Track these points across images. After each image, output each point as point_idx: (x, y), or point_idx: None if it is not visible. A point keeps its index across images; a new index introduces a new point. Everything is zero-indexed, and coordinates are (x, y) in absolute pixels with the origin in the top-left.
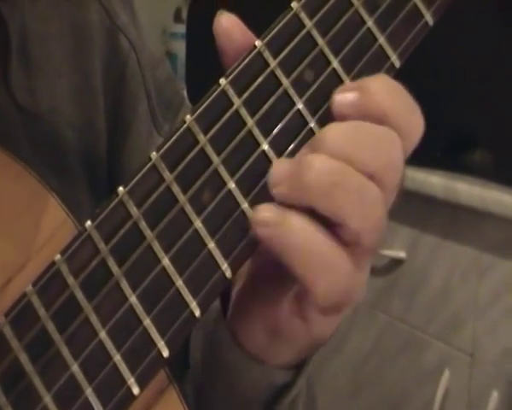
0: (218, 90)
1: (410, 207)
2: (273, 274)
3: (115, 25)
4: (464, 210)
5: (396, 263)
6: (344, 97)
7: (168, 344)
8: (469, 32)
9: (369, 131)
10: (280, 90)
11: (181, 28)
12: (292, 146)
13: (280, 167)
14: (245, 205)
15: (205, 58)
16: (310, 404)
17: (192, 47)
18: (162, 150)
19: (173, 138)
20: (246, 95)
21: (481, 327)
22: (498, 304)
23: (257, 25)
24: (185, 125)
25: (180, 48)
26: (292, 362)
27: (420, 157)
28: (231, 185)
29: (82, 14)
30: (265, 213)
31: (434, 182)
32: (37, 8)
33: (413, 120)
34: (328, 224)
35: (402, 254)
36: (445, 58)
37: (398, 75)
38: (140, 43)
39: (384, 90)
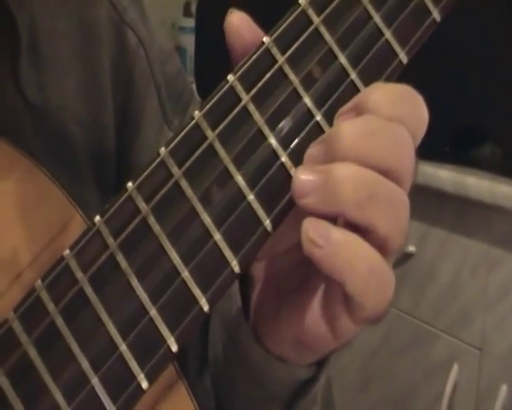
0: (227, 86)
1: (420, 202)
2: (298, 283)
3: (123, 20)
4: (473, 204)
5: (405, 257)
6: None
7: (177, 339)
8: (480, 25)
9: (384, 126)
10: (287, 86)
11: (190, 22)
12: (298, 140)
13: (305, 179)
14: (251, 197)
15: (214, 52)
16: (327, 395)
17: (201, 41)
18: (171, 146)
19: (182, 134)
20: (254, 90)
21: (490, 321)
22: (507, 298)
23: (265, 20)
24: (194, 121)
25: (189, 42)
26: (314, 361)
27: (429, 151)
28: (239, 180)
29: (90, 11)
30: (311, 231)
31: (444, 176)
32: (46, 5)
33: (417, 115)
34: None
35: (411, 249)
36: (454, 52)
37: (408, 70)
38: (149, 38)
39: (384, 99)
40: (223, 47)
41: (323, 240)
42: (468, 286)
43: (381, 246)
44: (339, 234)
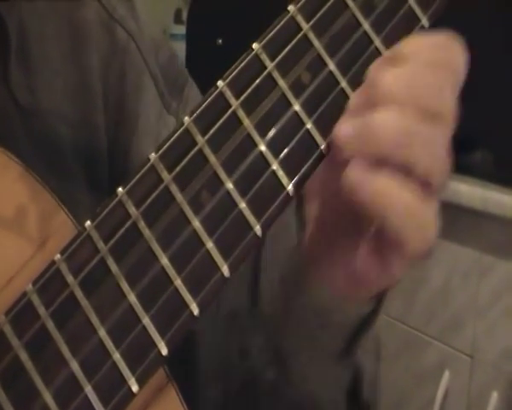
0: (216, 91)
1: None
2: (348, 225)
3: (112, 18)
4: (465, 211)
5: None
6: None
7: (168, 343)
8: (469, 32)
9: (422, 70)
10: (277, 92)
11: (181, 29)
12: (288, 148)
13: (346, 127)
14: (242, 205)
15: (204, 59)
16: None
17: (192, 48)
18: (161, 151)
19: (172, 139)
20: (243, 96)
21: (481, 328)
22: (498, 305)
23: (254, 27)
24: (184, 127)
25: (180, 49)
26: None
27: None
28: (229, 186)
29: (79, 12)
30: (353, 171)
31: None
32: (35, 9)
33: (454, 59)
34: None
35: None
36: None
37: None
38: (139, 32)
39: (420, 46)
40: (213, 54)
41: (363, 183)
42: (460, 293)
43: (422, 184)
44: (379, 177)
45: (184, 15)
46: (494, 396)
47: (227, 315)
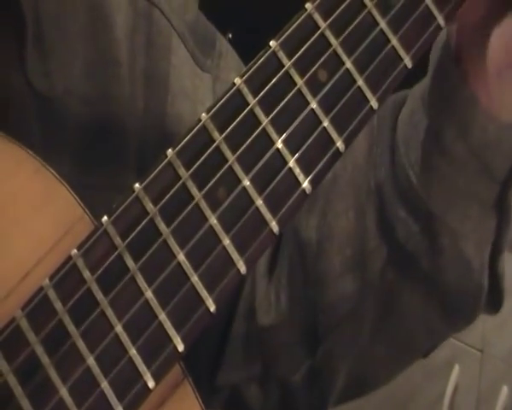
0: (233, 89)
1: None
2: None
3: None
4: None
5: None
6: None
7: (184, 339)
8: None
9: None
10: (294, 90)
11: None
12: (305, 146)
13: None
14: (259, 202)
15: None
16: None
17: None
18: (178, 147)
19: (189, 136)
20: (260, 94)
21: (491, 323)
22: (509, 300)
23: (264, 21)
24: (201, 123)
25: None
26: None
27: None
28: (246, 183)
29: None
30: None
31: None
32: None
33: None
34: None
35: None
36: None
37: (407, 74)
38: None
39: None
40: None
41: None
42: None
43: None
44: None
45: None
46: (504, 390)
47: (372, 189)
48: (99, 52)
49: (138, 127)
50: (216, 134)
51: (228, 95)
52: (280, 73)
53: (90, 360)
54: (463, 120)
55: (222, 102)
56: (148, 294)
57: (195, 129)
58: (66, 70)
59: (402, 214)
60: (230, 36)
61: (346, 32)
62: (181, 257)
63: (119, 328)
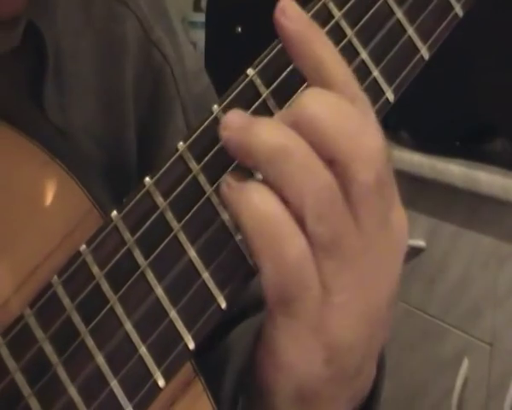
0: (245, 81)
1: (430, 196)
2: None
3: (149, 39)
4: (484, 199)
5: (415, 252)
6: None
7: (194, 337)
8: (491, 21)
9: (345, 112)
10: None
11: (200, 17)
12: None
13: (234, 115)
14: None
15: (224, 47)
16: None
17: (211, 36)
18: (189, 141)
19: (201, 129)
20: (274, 85)
21: (501, 316)
22: None
23: (273, 15)
24: (213, 115)
25: (199, 37)
26: None
27: (440, 146)
28: (258, 175)
29: (116, 27)
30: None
31: (455, 171)
32: (71, 24)
33: (359, 141)
34: None
35: (421, 243)
36: (465, 47)
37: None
38: (175, 56)
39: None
40: (232, 42)
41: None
42: (479, 281)
43: (294, 214)
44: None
45: (203, 3)
46: None
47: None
48: (113, 91)
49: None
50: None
51: (241, 86)
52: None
53: (99, 359)
54: None
55: (235, 93)
56: (159, 291)
57: (208, 121)
58: (81, 106)
59: None
60: (240, 30)
61: (362, 22)
62: (192, 253)
63: (128, 325)
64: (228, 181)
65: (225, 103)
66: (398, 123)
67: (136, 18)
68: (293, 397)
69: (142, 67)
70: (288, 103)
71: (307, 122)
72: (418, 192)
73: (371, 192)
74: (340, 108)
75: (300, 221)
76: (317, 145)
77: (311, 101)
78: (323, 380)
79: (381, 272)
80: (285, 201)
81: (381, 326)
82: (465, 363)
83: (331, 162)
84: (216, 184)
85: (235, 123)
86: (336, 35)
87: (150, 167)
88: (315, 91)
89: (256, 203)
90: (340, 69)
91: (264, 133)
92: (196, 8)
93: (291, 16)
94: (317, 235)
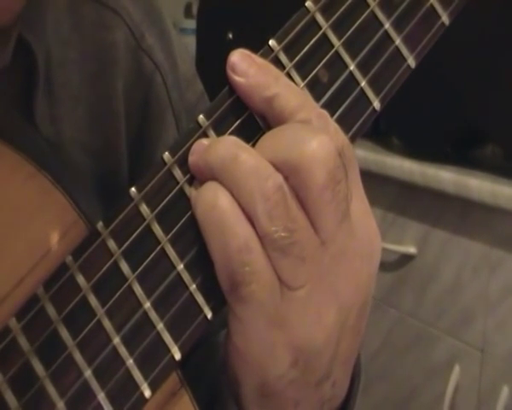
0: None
1: (421, 203)
2: None
3: (140, 47)
4: (475, 205)
5: (406, 258)
6: None
7: (181, 348)
8: (480, 27)
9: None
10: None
11: (191, 24)
12: None
13: (199, 143)
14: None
15: (214, 53)
16: None
17: (202, 42)
18: (176, 152)
19: (186, 140)
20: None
21: (492, 322)
22: (509, 299)
23: (264, 21)
24: (201, 130)
25: (190, 43)
26: None
27: (430, 152)
28: None
29: (106, 36)
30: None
31: (445, 177)
32: (59, 34)
33: (300, 151)
34: None
35: (412, 250)
36: (455, 53)
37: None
38: (167, 64)
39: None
40: (223, 48)
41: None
42: (470, 287)
43: (249, 214)
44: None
45: (195, 9)
46: (505, 391)
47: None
48: (103, 101)
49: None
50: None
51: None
52: (284, 72)
53: (87, 372)
54: None
55: (218, 100)
56: (146, 303)
57: (197, 135)
58: (71, 116)
59: None
60: (231, 36)
61: (349, 33)
62: (180, 267)
63: (116, 338)
64: (194, 184)
65: (213, 118)
66: (388, 129)
67: (127, 25)
68: (257, 392)
69: (133, 76)
70: None
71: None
72: (409, 199)
73: (323, 191)
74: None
75: (253, 222)
76: (265, 156)
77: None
78: (288, 381)
79: (347, 271)
80: (239, 203)
81: (350, 332)
82: (456, 369)
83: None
84: None
85: (198, 149)
86: (323, 46)
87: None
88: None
89: (208, 197)
90: (290, 97)
91: (219, 147)
92: (187, 14)
93: (240, 71)
94: (270, 234)
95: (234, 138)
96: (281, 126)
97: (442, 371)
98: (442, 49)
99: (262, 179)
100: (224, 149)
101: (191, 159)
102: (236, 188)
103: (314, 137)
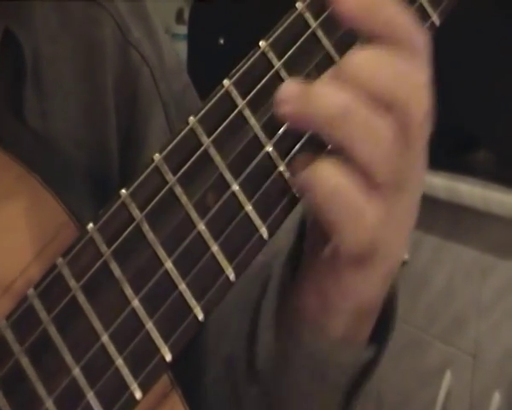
0: (222, 91)
1: None
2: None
3: (127, 41)
4: (466, 211)
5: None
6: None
7: (171, 348)
8: (471, 32)
9: (391, 60)
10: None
11: (183, 29)
12: (297, 147)
13: (290, 87)
14: (248, 207)
15: (206, 59)
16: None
17: (193, 48)
18: (165, 152)
19: (176, 140)
20: (250, 96)
21: (484, 328)
22: (501, 305)
23: (256, 26)
24: (188, 127)
25: (182, 49)
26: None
27: None
28: (235, 187)
29: (95, 32)
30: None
31: (437, 183)
32: (48, 29)
33: (410, 83)
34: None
35: (404, 256)
36: (447, 59)
37: None
38: (154, 56)
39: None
40: (215, 53)
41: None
42: (462, 293)
43: (362, 175)
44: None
45: (186, 15)
46: (496, 396)
47: (225, 359)
48: (93, 97)
49: (117, 180)
50: (204, 138)
51: (216, 98)
52: (270, 74)
53: (76, 371)
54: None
55: (210, 104)
56: (135, 302)
57: (183, 132)
58: (62, 111)
59: (252, 391)
60: (222, 41)
61: (338, 33)
62: (168, 265)
63: (105, 338)
64: (294, 166)
65: (201, 114)
66: None
67: (114, 20)
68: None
69: (121, 70)
70: (266, 116)
71: (358, 77)
72: None
73: (422, 128)
74: (380, 59)
75: (369, 177)
76: (373, 97)
77: (357, 58)
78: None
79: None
80: (351, 160)
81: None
82: (448, 375)
83: (387, 109)
84: (193, 196)
85: (292, 95)
86: (312, 45)
87: (132, 170)
88: (357, 49)
89: (325, 177)
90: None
91: (323, 99)
92: (179, 20)
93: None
94: (388, 184)
95: (331, 84)
96: (380, 51)
97: (434, 377)
98: (434, 56)
99: (376, 131)
100: (328, 100)
101: (285, 109)
102: (349, 145)
103: (414, 71)
